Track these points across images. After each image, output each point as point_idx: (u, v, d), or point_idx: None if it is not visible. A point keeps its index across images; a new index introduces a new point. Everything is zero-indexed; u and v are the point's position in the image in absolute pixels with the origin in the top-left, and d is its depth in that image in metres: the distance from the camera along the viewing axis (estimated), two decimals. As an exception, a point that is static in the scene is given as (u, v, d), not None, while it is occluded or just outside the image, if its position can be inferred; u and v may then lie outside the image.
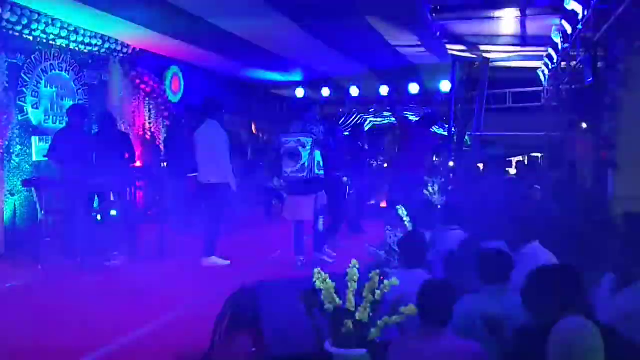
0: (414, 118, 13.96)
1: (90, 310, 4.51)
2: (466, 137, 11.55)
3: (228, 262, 6.13)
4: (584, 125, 6.92)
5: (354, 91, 12.29)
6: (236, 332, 2.97)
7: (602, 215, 4.41)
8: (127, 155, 7.02)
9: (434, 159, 18.06)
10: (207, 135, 6.20)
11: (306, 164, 5.87)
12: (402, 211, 4.96)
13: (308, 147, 5.88)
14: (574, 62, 5.92)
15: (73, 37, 7.67)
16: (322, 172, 6.02)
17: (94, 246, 6.42)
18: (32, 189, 6.40)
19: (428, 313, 2.52)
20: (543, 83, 9.48)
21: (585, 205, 5.33)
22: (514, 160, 14.78)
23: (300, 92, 12.66)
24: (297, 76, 12.29)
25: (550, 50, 7.12)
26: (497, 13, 6.86)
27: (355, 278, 2.65)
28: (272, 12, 7.32)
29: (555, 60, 7.24)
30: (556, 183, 6.80)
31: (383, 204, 9.72)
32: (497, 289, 2.81)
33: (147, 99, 9.50)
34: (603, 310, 2.74)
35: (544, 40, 7.20)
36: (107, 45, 8.35)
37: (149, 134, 9.48)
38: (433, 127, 7.24)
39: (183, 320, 4.35)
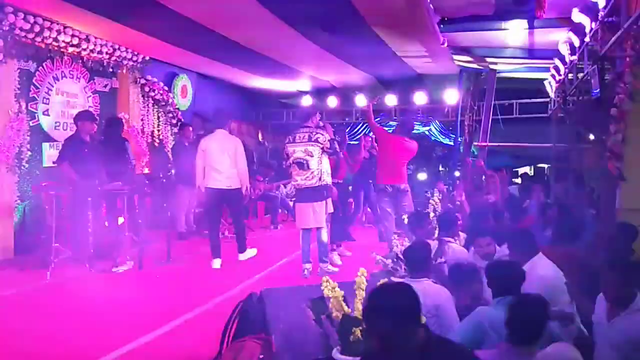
0: (421, 128, 14.05)
1: (99, 315, 4.54)
2: (473, 148, 11.56)
3: (255, 251, 6.83)
4: (591, 137, 6.94)
5: (361, 101, 12.34)
6: (244, 339, 2.99)
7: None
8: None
9: (441, 168, 18.12)
10: (217, 143, 6.48)
11: (315, 172, 5.92)
12: (406, 220, 5.00)
13: (316, 156, 5.92)
14: (581, 74, 5.94)
15: (84, 45, 7.77)
16: (330, 179, 6.07)
17: (102, 252, 6.48)
18: (42, 194, 6.47)
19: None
20: (550, 94, 9.50)
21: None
22: (520, 171, 14.78)
23: (307, 101, 12.73)
24: (304, 85, 12.37)
25: (557, 62, 7.14)
26: (504, 25, 6.90)
27: (363, 286, 2.68)
28: (280, 23, 7.39)
29: (562, 72, 7.26)
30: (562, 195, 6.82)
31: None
32: (508, 301, 2.79)
33: (155, 106, 9.59)
34: (601, 335, 2.82)
35: (551, 53, 7.23)
36: (117, 54, 8.45)
37: (158, 141, 9.56)
38: (410, 135, 7.07)
39: (191, 326, 4.38)
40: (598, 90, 4.97)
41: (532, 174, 14.90)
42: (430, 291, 3.16)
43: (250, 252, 6.82)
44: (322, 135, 5.98)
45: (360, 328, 2.56)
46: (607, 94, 4.91)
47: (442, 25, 7.23)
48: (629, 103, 4.50)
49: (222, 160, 6.42)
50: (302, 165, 5.91)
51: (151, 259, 6.43)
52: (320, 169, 5.94)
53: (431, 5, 6.39)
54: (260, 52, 9.21)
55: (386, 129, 9.05)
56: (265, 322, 3.12)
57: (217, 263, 6.48)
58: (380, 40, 8.25)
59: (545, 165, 11.47)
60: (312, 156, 5.90)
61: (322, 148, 5.93)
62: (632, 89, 4.41)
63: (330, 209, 6.11)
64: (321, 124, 6.52)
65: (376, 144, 7.67)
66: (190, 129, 8.84)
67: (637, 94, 4.40)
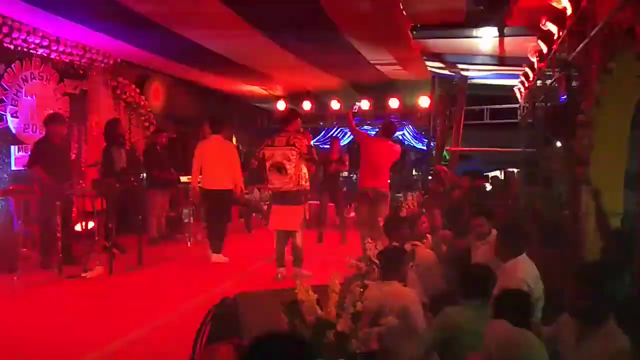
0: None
1: (67, 322, 4.46)
2: (444, 152, 11.71)
3: (227, 259, 7.00)
4: (559, 143, 7.10)
5: (335, 105, 12.40)
6: (217, 344, 2.97)
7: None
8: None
9: (414, 172, 18.30)
10: (214, 148, 7.09)
11: (293, 177, 5.95)
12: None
13: (293, 160, 5.94)
14: (549, 81, 6.08)
15: (54, 47, 7.64)
16: (307, 183, 6.09)
17: (71, 257, 6.36)
18: (10, 198, 6.33)
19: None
20: (519, 100, 9.68)
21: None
22: (491, 175, 15.01)
23: (281, 105, 12.73)
24: (278, 90, 12.36)
25: (527, 69, 7.30)
26: (475, 32, 7.01)
27: (337, 290, 2.69)
28: (253, 31, 7.38)
29: (531, 79, 7.42)
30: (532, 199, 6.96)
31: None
32: (477, 304, 2.84)
33: (127, 109, 9.46)
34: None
35: (520, 60, 7.38)
36: (88, 55, 8.32)
37: (129, 144, 9.42)
38: (392, 138, 7.11)
39: (162, 331, 4.33)
40: (565, 96, 5.09)
41: (502, 177, 15.16)
42: (397, 293, 3.21)
43: (223, 258, 6.99)
44: (300, 140, 6.02)
45: (334, 331, 2.57)
46: (574, 100, 5.04)
47: (414, 32, 7.31)
48: (595, 109, 4.63)
49: (219, 164, 6.98)
50: (280, 169, 5.94)
51: (122, 264, 6.33)
52: (298, 173, 5.97)
53: (404, 12, 6.46)
54: (233, 59, 9.19)
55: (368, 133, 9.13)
56: (239, 327, 3.10)
57: (220, 258, 6.93)
58: (353, 48, 8.29)
59: (515, 170, 11.67)
60: (289, 160, 5.93)
61: (300, 153, 5.96)
62: (598, 95, 4.53)
63: (306, 215, 6.15)
64: (301, 130, 6.52)
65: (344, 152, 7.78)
66: (165, 135, 8.77)
67: (603, 100, 4.53)
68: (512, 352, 1.93)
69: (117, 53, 8.81)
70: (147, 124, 9.72)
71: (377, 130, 7.85)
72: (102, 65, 8.73)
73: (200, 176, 7.20)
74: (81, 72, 8.46)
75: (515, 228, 3.84)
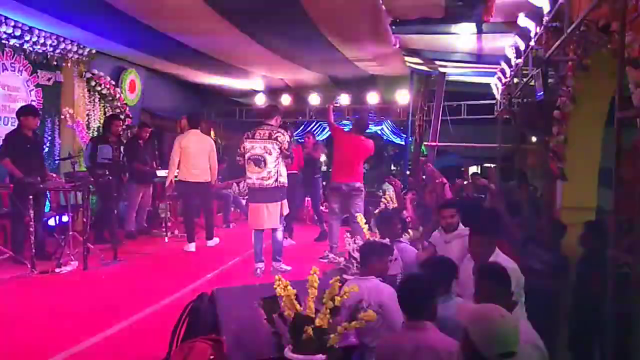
0: (373, 127, 14.20)
1: (41, 318, 4.37)
2: (423, 147, 11.78)
3: (218, 240, 7.73)
4: (534, 138, 7.19)
5: (314, 99, 12.37)
6: (194, 340, 2.94)
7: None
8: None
9: (393, 167, 18.40)
10: (194, 142, 7.37)
11: (272, 172, 5.86)
12: (360, 219, 5.03)
13: (274, 154, 5.87)
14: (526, 77, 6.14)
15: (27, 37, 7.45)
16: (285, 180, 6.04)
17: (44, 252, 6.24)
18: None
19: (408, 307, 2.62)
20: (496, 96, 9.78)
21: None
22: (470, 170, 15.18)
23: (260, 99, 12.65)
24: (257, 84, 12.28)
25: (504, 65, 7.36)
26: (453, 29, 7.05)
27: (316, 285, 2.69)
28: (230, 27, 7.31)
29: (507, 75, 7.48)
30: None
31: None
32: (442, 298, 2.87)
33: (102, 101, 9.29)
34: None
35: (498, 58, 7.44)
36: (62, 46, 8.14)
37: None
38: (365, 133, 7.13)
39: (139, 327, 4.27)
40: (542, 92, 5.14)
41: (480, 173, 15.34)
42: (375, 289, 3.23)
43: (216, 240, 7.68)
44: (283, 135, 5.95)
45: (313, 326, 2.57)
46: (551, 97, 5.09)
47: (393, 27, 7.32)
48: (571, 105, 4.69)
49: (199, 157, 7.33)
50: (259, 162, 5.85)
51: (97, 259, 6.23)
52: (278, 169, 5.90)
53: (383, 6, 6.46)
54: (210, 54, 9.09)
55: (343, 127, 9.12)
56: (217, 322, 3.07)
57: (192, 247, 7.28)
58: (331, 45, 8.26)
59: (492, 165, 11.81)
60: (270, 154, 5.86)
61: (281, 148, 5.90)
62: (574, 92, 4.59)
63: (286, 210, 6.10)
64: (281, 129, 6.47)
65: (322, 146, 7.77)
66: (148, 129, 8.66)
67: (579, 97, 4.59)
68: (483, 327, 1.96)
69: (92, 44, 8.64)
70: (122, 116, 9.54)
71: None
72: (77, 56, 8.56)
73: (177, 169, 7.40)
74: (55, 63, 8.27)
75: (488, 225, 3.86)
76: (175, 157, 7.30)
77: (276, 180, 5.89)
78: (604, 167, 4.72)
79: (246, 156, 5.92)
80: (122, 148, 7.75)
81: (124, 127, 7.63)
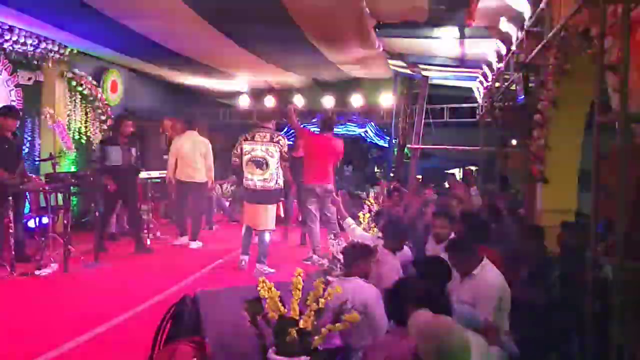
0: (357, 129, 14.25)
1: (21, 321, 4.30)
2: (406, 149, 11.86)
3: (201, 243, 7.65)
4: (514, 142, 7.29)
5: (298, 101, 12.36)
6: (177, 343, 2.92)
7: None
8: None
9: (376, 170, 18.46)
10: (190, 143, 7.59)
11: (274, 174, 5.98)
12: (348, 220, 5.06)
13: (276, 157, 5.98)
14: (507, 82, 6.22)
15: (7, 36, 7.34)
16: (282, 183, 6.18)
17: (24, 254, 6.14)
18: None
19: (394, 313, 2.61)
20: (478, 100, 9.89)
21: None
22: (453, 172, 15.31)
23: (244, 101, 12.61)
24: (241, 86, 12.24)
25: (486, 69, 7.44)
26: (436, 32, 7.11)
27: (300, 287, 2.69)
28: (213, 30, 7.29)
29: (489, 79, 7.58)
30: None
31: None
32: None
33: (83, 102, 9.18)
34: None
35: (480, 63, 7.53)
36: (43, 46, 8.03)
37: (85, 138, 9.16)
38: (333, 132, 7.04)
39: (121, 330, 4.23)
40: (523, 96, 5.23)
41: (461, 175, 15.49)
42: (359, 290, 3.24)
43: (199, 243, 7.63)
44: (283, 139, 6.12)
45: (297, 328, 2.57)
46: (531, 101, 5.17)
47: (377, 30, 7.36)
48: (551, 109, 4.77)
49: (195, 158, 7.54)
50: (261, 164, 5.95)
51: (77, 261, 6.15)
52: (278, 172, 6.02)
53: (367, 10, 6.49)
54: (192, 57, 9.06)
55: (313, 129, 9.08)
56: (200, 325, 3.05)
57: (184, 240, 7.56)
58: (315, 49, 8.26)
59: (474, 168, 11.93)
60: (272, 157, 5.98)
61: (281, 151, 6.02)
62: (554, 96, 4.67)
63: (281, 213, 6.16)
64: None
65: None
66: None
67: (559, 101, 4.67)
68: (428, 343, 1.94)
69: (73, 44, 8.54)
70: (103, 117, 9.45)
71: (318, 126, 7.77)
72: (58, 56, 8.44)
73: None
74: (35, 62, 8.15)
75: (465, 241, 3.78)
76: (171, 158, 7.61)
77: (276, 182, 6.04)
78: (584, 170, 4.80)
79: (245, 158, 5.99)
80: (133, 150, 7.35)
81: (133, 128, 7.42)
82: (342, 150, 6.92)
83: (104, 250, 6.86)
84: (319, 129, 7.21)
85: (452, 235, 4.21)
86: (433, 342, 1.92)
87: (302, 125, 8.15)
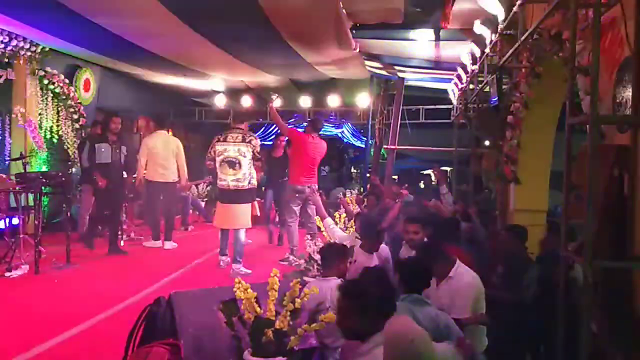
0: (334, 130, 14.27)
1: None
2: (383, 150, 11.92)
3: (176, 244, 7.64)
4: (487, 143, 7.39)
5: (276, 101, 12.30)
6: (151, 345, 2.88)
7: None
8: None
9: (353, 170, 18.51)
10: (161, 142, 7.49)
11: (247, 174, 6.05)
12: (319, 222, 5.08)
13: (248, 157, 6.04)
14: (481, 84, 6.30)
15: (-25, 33, 7.18)
16: (256, 182, 6.22)
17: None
18: None
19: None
20: (453, 101, 10.00)
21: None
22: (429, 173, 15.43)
23: (220, 100, 12.52)
24: (217, 85, 12.15)
25: (460, 71, 7.52)
26: (412, 34, 7.16)
27: (276, 287, 2.68)
28: (187, 29, 7.23)
29: (464, 81, 7.66)
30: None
31: None
32: (415, 298, 2.85)
33: (55, 100, 9.01)
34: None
35: (455, 65, 7.60)
36: (14, 43, 7.86)
37: (57, 137, 8.99)
38: (319, 133, 7.09)
39: (93, 333, 4.16)
40: (496, 98, 5.30)
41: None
42: (336, 290, 3.22)
43: (173, 244, 7.60)
44: (256, 139, 6.20)
45: (273, 329, 2.56)
46: (504, 102, 5.25)
47: (354, 31, 7.39)
48: (524, 111, 4.85)
49: (167, 157, 7.46)
50: (233, 164, 6.01)
51: (49, 263, 6.04)
52: (251, 172, 6.08)
53: (344, 11, 6.51)
54: (167, 56, 8.96)
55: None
56: (174, 327, 3.02)
57: (157, 243, 7.52)
58: (291, 49, 8.25)
59: (449, 168, 12.05)
60: (244, 157, 6.04)
61: (254, 151, 6.08)
62: (526, 98, 4.75)
63: (257, 212, 6.17)
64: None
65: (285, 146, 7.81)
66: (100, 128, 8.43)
67: (531, 103, 4.75)
68: (392, 351, 1.95)
69: (45, 42, 8.37)
70: (76, 116, 9.29)
71: (305, 126, 7.74)
72: (29, 54, 8.27)
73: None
74: (6, 60, 7.97)
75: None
76: (142, 158, 7.43)
77: (249, 182, 6.10)
78: (555, 171, 4.89)
79: (218, 159, 6.06)
80: (122, 148, 7.30)
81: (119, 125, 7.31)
82: (325, 151, 6.99)
83: (92, 248, 7.07)
84: (307, 128, 7.21)
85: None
86: (394, 352, 1.93)
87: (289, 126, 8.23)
